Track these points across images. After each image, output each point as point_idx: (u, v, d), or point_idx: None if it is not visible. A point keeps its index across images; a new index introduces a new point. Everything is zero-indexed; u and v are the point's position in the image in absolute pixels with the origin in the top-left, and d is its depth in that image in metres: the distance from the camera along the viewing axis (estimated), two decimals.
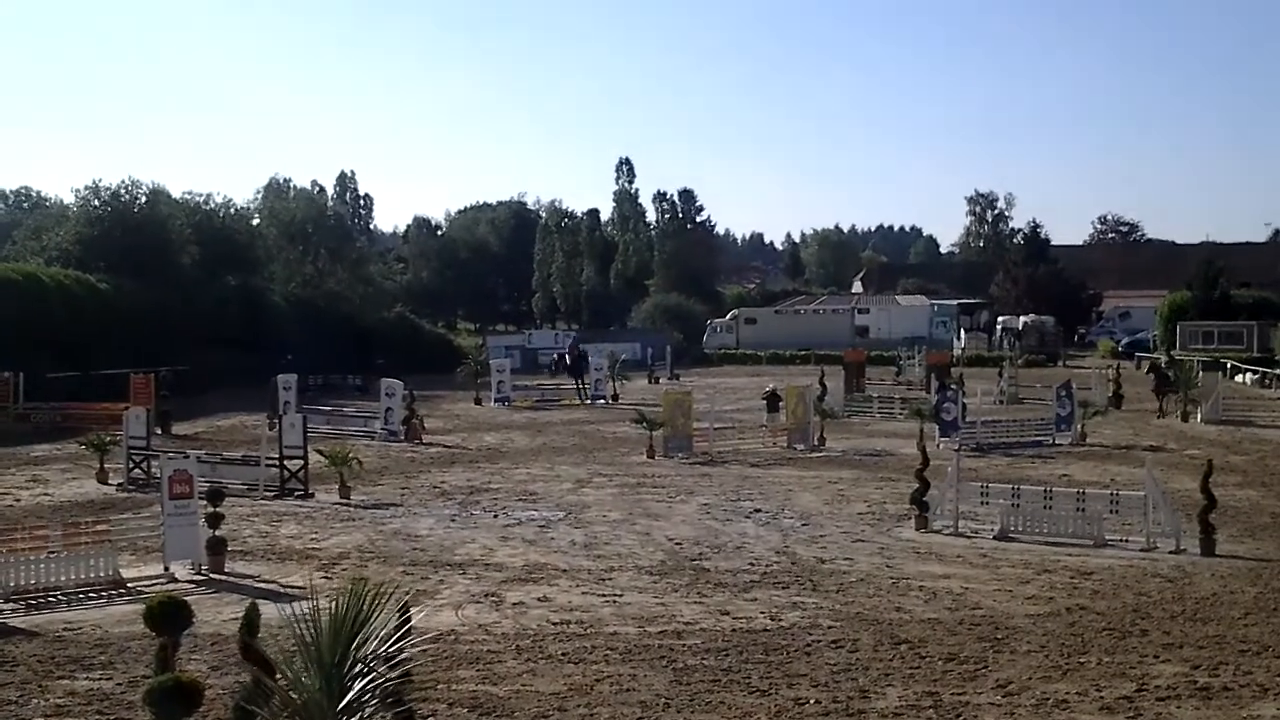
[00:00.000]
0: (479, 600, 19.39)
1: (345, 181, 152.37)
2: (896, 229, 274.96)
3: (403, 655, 9.77)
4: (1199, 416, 46.72)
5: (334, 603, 9.54)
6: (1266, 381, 64.56)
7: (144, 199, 69.62)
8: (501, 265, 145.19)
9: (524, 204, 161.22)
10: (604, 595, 19.68)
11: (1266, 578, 20.92)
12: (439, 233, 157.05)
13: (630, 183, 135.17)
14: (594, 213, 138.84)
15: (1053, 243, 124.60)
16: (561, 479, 32.95)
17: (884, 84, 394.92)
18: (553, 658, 16.06)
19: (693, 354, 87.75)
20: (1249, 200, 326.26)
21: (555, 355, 65.22)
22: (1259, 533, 25.07)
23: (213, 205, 74.34)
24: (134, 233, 65.53)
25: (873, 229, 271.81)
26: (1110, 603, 19.21)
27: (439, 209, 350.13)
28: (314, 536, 24.99)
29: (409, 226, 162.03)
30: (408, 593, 17.86)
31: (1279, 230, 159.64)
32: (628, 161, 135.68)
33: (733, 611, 18.58)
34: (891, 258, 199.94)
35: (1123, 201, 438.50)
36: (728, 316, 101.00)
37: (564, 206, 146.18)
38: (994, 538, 24.19)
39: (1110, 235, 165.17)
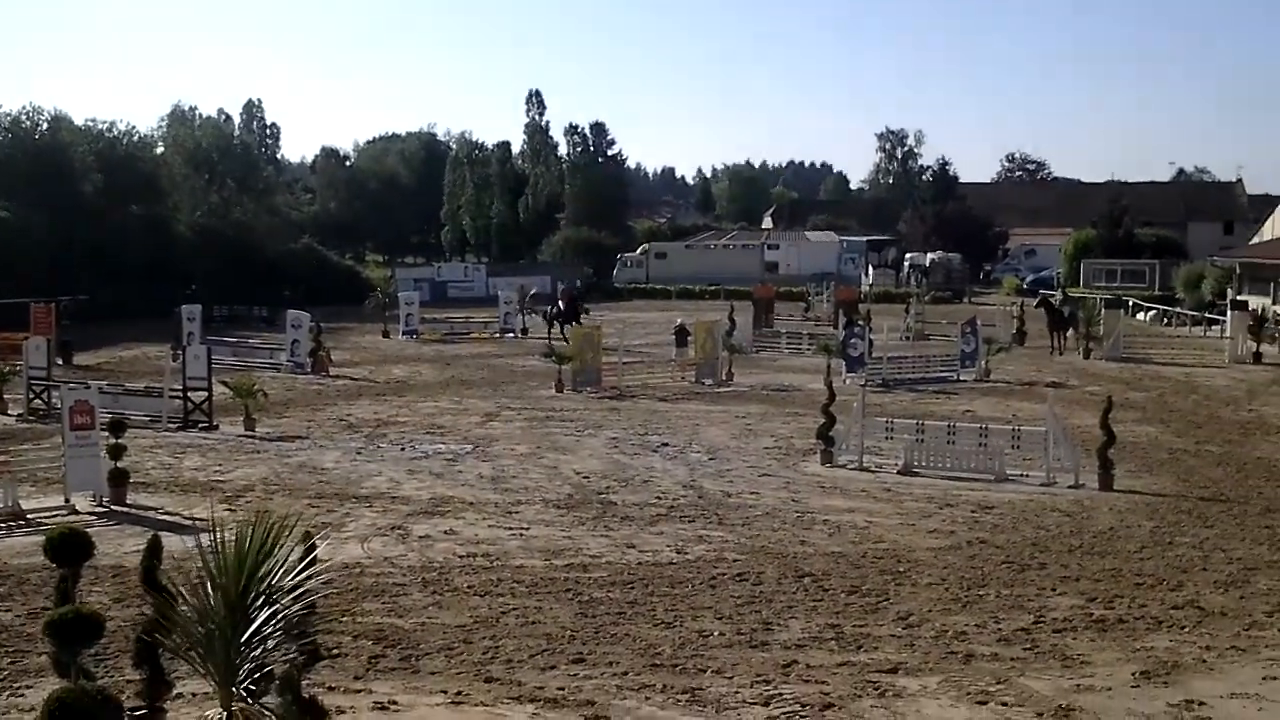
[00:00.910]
0: (385, 533, 19.38)
1: (252, 110, 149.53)
2: (807, 165, 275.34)
3: (307, 587, 9.73)
4: (1100, 353, 47.41)
5: (238, 534, 9.50)
6: (1167, 319, 65.63)
7: (45, 126, 68.16)
8: (411, 197, 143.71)
9: (434, 135, 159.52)
10: (511, 529, 19.74)
11: (1162, 512, 21.36)
12: (347, 163, 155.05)
13: (541, 115, 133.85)
14: (504, 145, 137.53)
15: (961, 180, 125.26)
16: (469, 413, 32.90)
17: (796, 21, 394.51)
18: (458, 590, 16.10)
19: (603, 288, 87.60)
20: (1154, 140, 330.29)
21: (551, 306, 56.42)
22: (1156, 468, 25.56)
23: (116, 133, 72.81)
24: (34, 160, 64.11)
25: (783, 165, 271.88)
26: (1010, 536, 19.54)
27: (347, 139, 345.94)
28: (218, 469, 24.81)
29: (317, 156, 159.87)
30: (312, 525, 17.82)
31: (1183, 170, 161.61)
32: (538, 94, 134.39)
33: (639, 545, 18.71)
34: (802, 194, 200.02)
35: (1030, 140, 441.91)
36: (638, 251, 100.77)
37: (474, 139, 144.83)
38: (898, 472, 24.49)
39: (1017, 173, 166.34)
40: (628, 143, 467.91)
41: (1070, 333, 49.80)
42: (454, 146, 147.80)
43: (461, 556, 17.90)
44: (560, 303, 54.94)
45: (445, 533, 19.41)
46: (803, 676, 12.93)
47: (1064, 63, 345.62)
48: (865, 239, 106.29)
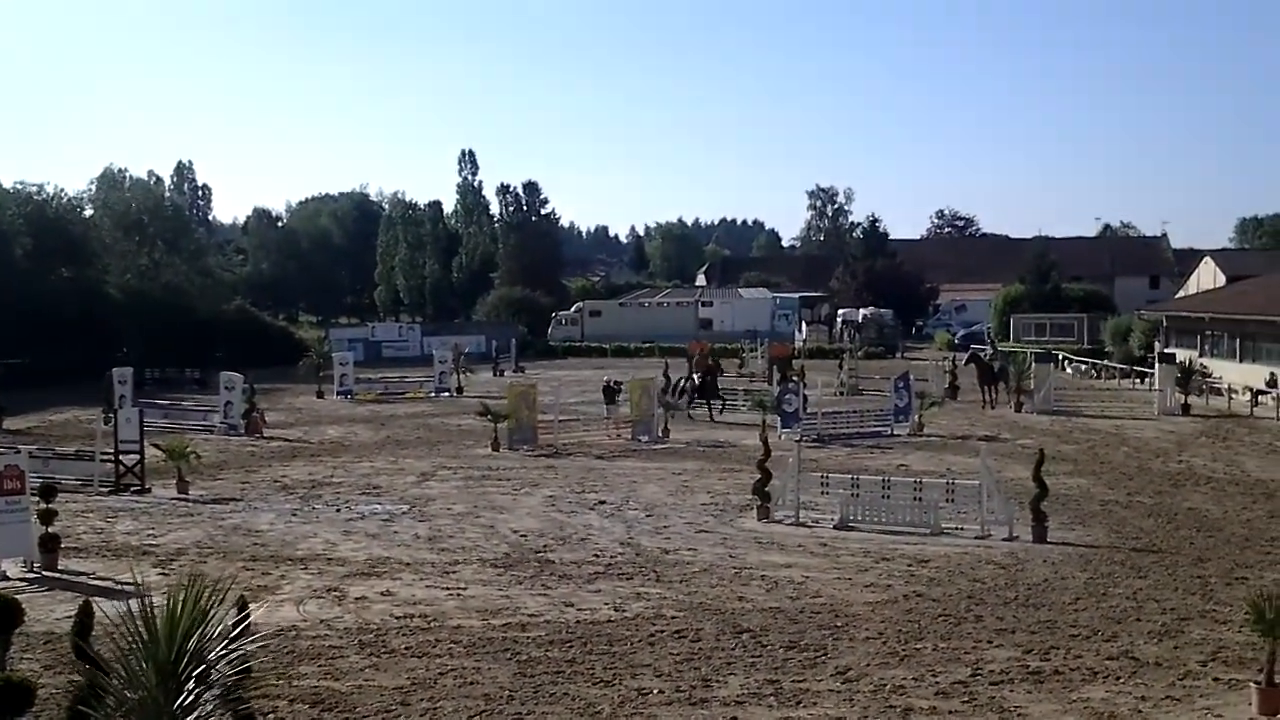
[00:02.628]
0: (321, 595, 19.22)
1: (183, 172, 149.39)
2: (739, 223, 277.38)
3: (241, 652, 9.65)
4: (1031, 406, 47.84)
5: (170, 599, 9.40)
6: (1097, 372, 66.37)
7: None
8: (344, 257, 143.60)
9: (366, 195, 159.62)
10: (448, 588, 19.64)
11: (1096, 564, 21.53)
12: (279, 224, 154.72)
13: (474, 175, 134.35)
14: (437, 205, 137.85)
15: (891, 237, 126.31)
16: (405, 472, 32.74)
17: (726, 80, 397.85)
18: (395, 652, 15.99)
19: (538, 346, 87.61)
20: (1080, 196, 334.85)
21: (682, 379, 48.68)
22: (1089, 520, 25.79)
23: (45, 195, 72.25)
24: None
25: (716, 222, 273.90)
26: (946, 589, 19.64)
27: (279, 200, 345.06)
28: (151, 532, 24.55)
29: (249, 218, 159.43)
30: (247, 589, 17.67)
31: (1109, 225, 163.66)
32: (471, 154, 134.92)
33: (577, 603, 18.65)
34: (734, 251, 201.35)
35: (959, 197, 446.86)
36: (572, 309, 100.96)
37: (407, 198, 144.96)
38: (834, 527, 24.57)
39: (947, 230, 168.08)
40: (561, 202, 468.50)
41: (1001, 386, 50.26)
42: (387, 206, 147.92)
43: (398, 617, 17.78)
44: (695, 375, 48.44)
45: (382, 594, 19.27)
46: None
47: (990, 120, 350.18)
48: (798, 295, 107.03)
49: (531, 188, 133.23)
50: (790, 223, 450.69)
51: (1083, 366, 68.63)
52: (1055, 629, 17.18)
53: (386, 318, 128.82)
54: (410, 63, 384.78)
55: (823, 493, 25.87)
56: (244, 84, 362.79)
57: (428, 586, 19.82)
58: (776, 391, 42.59)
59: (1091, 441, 38.87)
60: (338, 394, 54.72)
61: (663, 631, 16.98)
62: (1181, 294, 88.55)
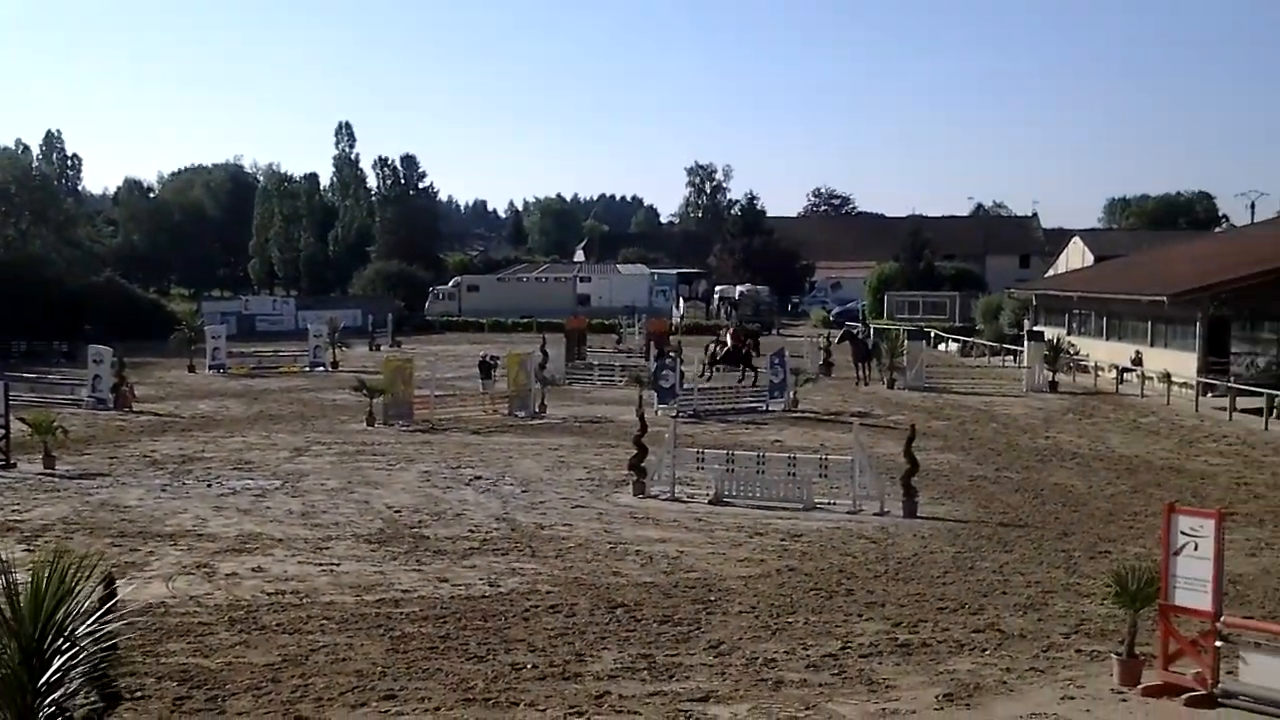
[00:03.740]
0: (190, 572, 18.97)
1: (52, 141, 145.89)
2: (618, 199, 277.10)
3: (108, 629, 9.51)
4: (904, 383, 48.50)
5: (34, 576, 9.24)
6: (968, 349, 67.42)
7: None
8: (218, 230, 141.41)
9: (241, 167, 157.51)
10: (320, 564, 19.49)
11: (964, 538, 21.92)
12: (151, 195, 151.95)
13: (351, 148, 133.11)
14: (313, 177, 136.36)
15: (768, 214, 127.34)
16: (278, 447, 32.40)
17: (606, 53, 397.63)
18: (266, 628, 15.83)
19: (414, 321, 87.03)
20: (953, 176, 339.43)
21: (713, 344, 48.00)
22: (958, 495, 26.23)
23: None
24: None
25: (595, 198, 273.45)
26: (818, 564, 19.87)
27: (151, 171, 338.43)
28: (15, 508, 24.03)
29: (119, 188, 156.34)
30: (114, 565, 17.42)
31: (981, 205, 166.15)
32: (348, 126, 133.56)
33: (451, 579, 18.61)
34: (613, 227, 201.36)
35: (835, 176, 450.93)
36: (450, 284, 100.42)
37: (282, 171, 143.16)
38: (709, 502, 24.74)
39: (823, 208, 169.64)
40: (439, 175, 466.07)
41: (874, 363, 50.90)
42: (262, 178, 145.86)
43: (270, 594, 17.61)
44: (728, 340, 48.35)
45: (253, 570, 19.07)
46: (615, 707, 12.98)
47: (866, 100, 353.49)
48: (676, 272, 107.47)
49: (409, 161, 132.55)
50: (669, 199, 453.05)
51: (953, 346, 69.65)
52: (924, 602, 17.46)
53: (261, 291, 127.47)
54: (285, 33, 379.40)
55: (698, 468, 26.03)
56: (115, 51, 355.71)
57: (300, 562, 19.65)
58: (654, 367, 42.72)
59: (961, 418, 39.52)
60: (210, 368, 53.91)
61: (537, 607, 17.00)
62: (1051, 273, 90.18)
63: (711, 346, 47.99)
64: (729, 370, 46.80)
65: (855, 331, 57.30)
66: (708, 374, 44.84)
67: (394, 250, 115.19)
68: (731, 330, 50.72)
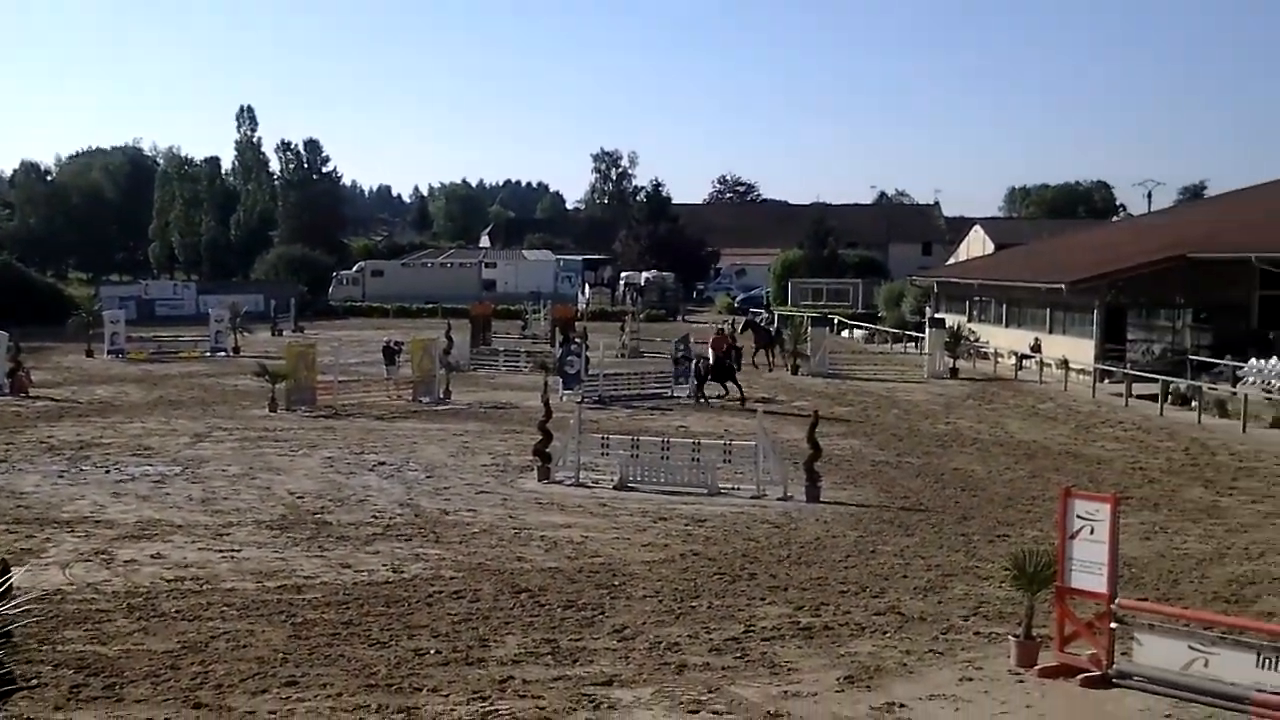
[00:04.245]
0: (88, 558, 18.70)
1: None
2: (524, 184, 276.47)
3: (3, 616, 9.37)
4: (807, 369, 48.83)
5: None
6: (872, 337, 68.05)
7: None
8: (117, 213, 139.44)
9: (140, 150, 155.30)
10: (221, 551, 19.29)
11: (866, 522, 22.12)
12: (49, 178, 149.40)
13: (253, 131, 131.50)
14: (214, 161, 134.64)
15: (674, 201, 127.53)
16: (178, 433, 32.01)
17: (512, 40, 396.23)
18: (166, 616, 15.65)
19: (318, 306, 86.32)
20: (857, 165, 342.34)
21: (697, 360, 41.18)
22: (860, 480, 26.48)
23: None
24: None
25: (500, 184, 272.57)
26: (721, 548, 19.97)
27: (48, 154, 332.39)
28: None
29: (15, 171, 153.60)
30: (9, 552, 17.15)
31: (884, 193, 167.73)
32: (249, 109, 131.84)
33: (354, 565, 18.50)
34: (518, 213, 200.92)
35: (740, 163, 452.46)
36: (354, 269, 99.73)
37: (183, 154, 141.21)
38: (614, 487, 24.77)
39: (728, 195, 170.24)
40: (343, 160, 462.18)
41: (778, 350, 51.21)
42: (161, 162, 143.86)
43: (169, 581, 17.40)
44: (710, 352, 41.80)
45: (152, 557, 18.83)
46: (519, 692, 12.97)
47: (772, 88, 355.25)
48: (581, 258, 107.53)
49: (313, 145, 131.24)
50: (575, 186, 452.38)
51: (859, 333, 70.24)
52: (826, 586, 17.60)
53: (161, 275, 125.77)
54: (186, 16, 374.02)
55: (603, 454, 26.04)
56: (8, 31, 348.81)
57: (200, 549, 19.43)
58: (559, 353, 42.68)
59: (864, 404, 39.87)
60: (108, 353, 53.15)
61: (441, 592, 16.94)
62: (952, 261, 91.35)
63: (696, 363, 41.05)
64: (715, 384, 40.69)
65: (758, 319, 57.63)
66: (702, 398, 39.90)
67: (297, 235, 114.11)
68: (713, 339, 43.12)
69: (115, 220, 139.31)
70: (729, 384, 40.25)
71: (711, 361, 40.89)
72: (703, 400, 39.55)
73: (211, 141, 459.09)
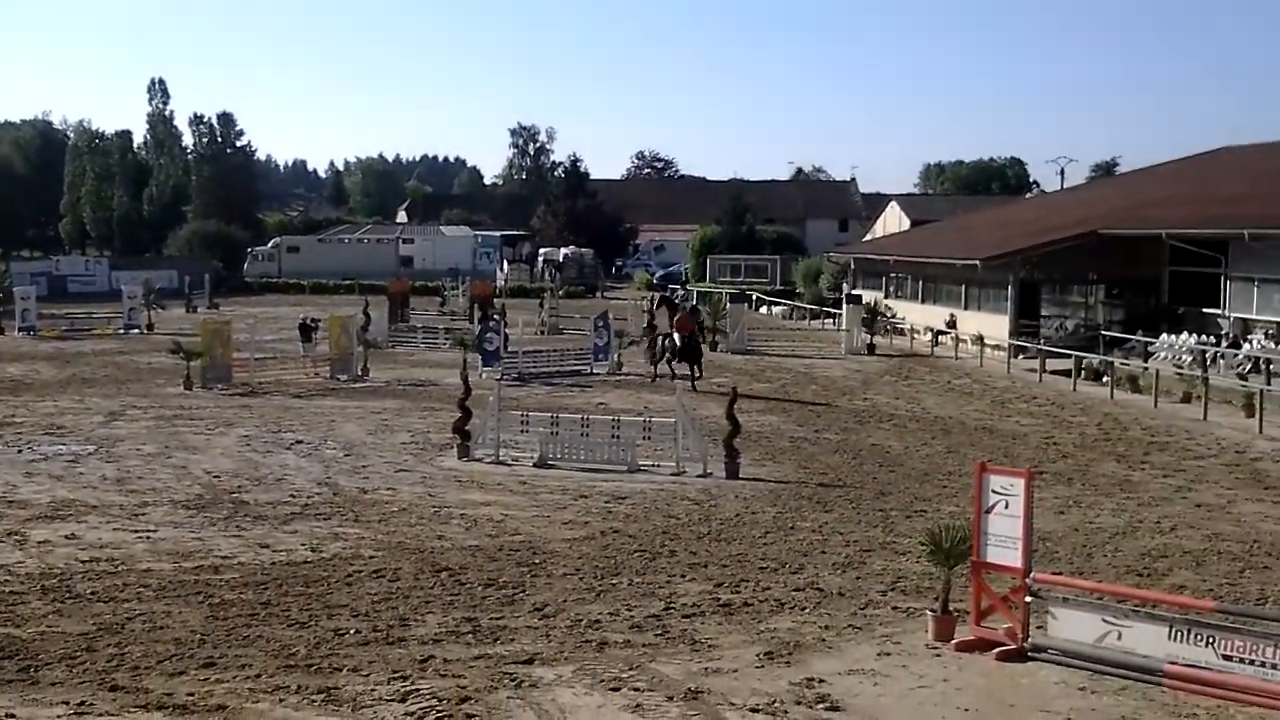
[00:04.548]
0: (0, 540, 18.45)
1: None
2: (441, 159, 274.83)
3: None
4: (726, 346, 49.01)
5: None
6: (790, 313, 68.38)
7: None
8: (26, 188, 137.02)
9: (50, 124, 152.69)
10: (137, 531, 19.10)
11: (785, 499, 22.26)
12: None
13: (165, 104, 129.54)
14: (126, 134, 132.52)
15: (592, 177, 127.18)
16: (92, 412, 31.63)
17: (428, 10, 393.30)
18: (81, 597, 15.48)
19: (233, 282, 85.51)
20: (774, 140, 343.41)
21: (661, 337, 40.12)
22: (779, 456, 26.63)
23: None
24: None
25: (417, 159, 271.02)
26: (642, 525, 20.03)
27: None
28: None
29: None
30: None
31: (801, 169, 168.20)
32: (161, 82, 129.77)
33: (272, 544, 18.38)
34: (436, 188, 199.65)
35: (658, 139, 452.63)
36: (269, 244, 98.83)
37: (94, 128, 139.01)
38: (534, 465, 24.76)
39: (646, 171, 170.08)
40: (257, 134, 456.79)
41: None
42: (72, 136, 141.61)
43: (84, 562, 17.20)
44: (675, 333, 39.41)
45: (66, 537, 18.61)
46: (439, 671, 12.95)
47: (689, 62, 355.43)
48: (500, 234, 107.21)
49: (226, 119, 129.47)
50: (492, 161, 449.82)
51: (778, 309, 70.53)
52: (745, 562, 17.70)
53: (72, 251, 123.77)
54: None
55: (523, 431, 26.00)
56: None
57: (115, 529, 19.23)
58: (478, 330, 42.57)
59: (783, 380, 40.09)
60: (19, 330, 52.50)
61: (360, 571, 16.87)
62: (869, 237, 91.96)
63: (660, 341, 39.91)
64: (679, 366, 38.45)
65: (672, 295, 57.74)
66: (655, 376, 39.04)
67: (211, 210, 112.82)
68: (679, 318, 40.48)
69: (25, 195, 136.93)
70: (695, 366, 38.25)
71: (680, 343, 38.68)
72: (663, 379, 37.73)
73: (123, 115, 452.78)
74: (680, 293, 63.32)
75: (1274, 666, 11.95)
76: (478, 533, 19.43)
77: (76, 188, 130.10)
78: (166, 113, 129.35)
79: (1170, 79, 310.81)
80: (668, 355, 38.91)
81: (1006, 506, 13.77)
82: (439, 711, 11.88)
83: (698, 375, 37.82)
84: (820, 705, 12.17)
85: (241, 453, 26.23)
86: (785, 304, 70.52)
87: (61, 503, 21.06)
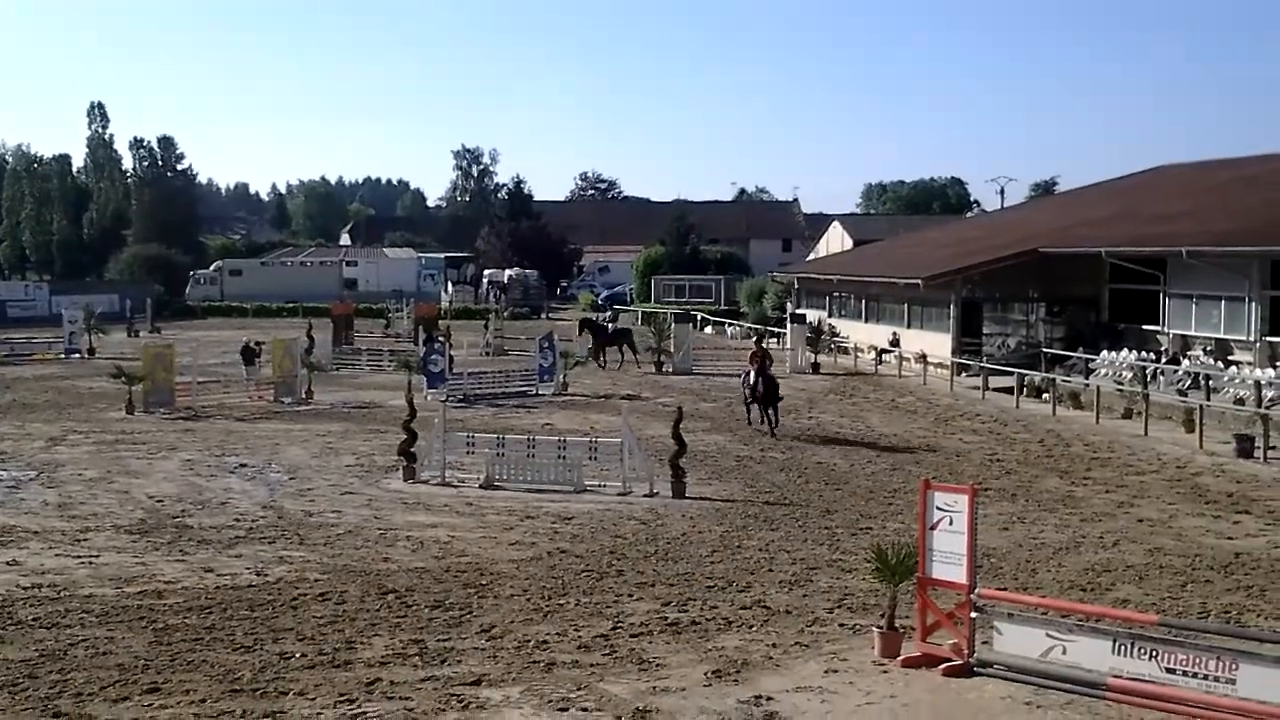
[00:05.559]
0: None
1: None
2: (384, 182, 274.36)
3: None
4: (671, 366, 49.06)
5: None
6: (735, 333, 68.56)
7: None
8: None
9: None
10: (79, 556, 18.91)
11: (731, 517, 22.30)
12: None
13: (104, 128, 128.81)
14: (65, 158, 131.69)
15: (536, 198, 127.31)
16: (33, 437, 31.32)
17: (370, 35, 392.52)
18: (22, 623, 15.32)
19: (175, 306, 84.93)
20: (717, 161, 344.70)
21: (757, 380, 32.95)
22: (725, 475, 26.68)
23: None
24: None
25: (360, 181, 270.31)
26: (589, 545, 20.02)
27: None
28: None
29: None
30: None
31: (744, 190, 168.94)
32: (100, 106, 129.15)
33: (216, 569, 18.25)
34: (379, 210, 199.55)
35: (602, 160, 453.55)
36: (211, 268, 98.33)
37: (33, 151, 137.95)
38: (480, 487, 24.72)
39: (590, 192, 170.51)
40: (198, 158, 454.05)
41: (624, 347, 50.91)
42: (10, 159, 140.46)
43: (25, 588, 17.02)
44: (751, 370, 33.63)
45: (7, 564, 18.41)
46: (386, 694, 12.89)
47: (631, 86, 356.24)
48: (444, 256, 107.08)
49: (167, 142, 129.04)
50: (436, 183, 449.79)
51: (730, 329, 70.66)
52: (693, 581, 17.72)
53: (11, 276, 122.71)
54: (36, 13, 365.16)
55: (468, 452, 25.96)
56: None
57: (57, 555, 19.04)
58: (422, 352, 42.47)
59: (728, 399, 40.10)
60: None
61: (306, 595, 16.77)
62: (812, 257, 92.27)
63: (754, 387, 33.39)
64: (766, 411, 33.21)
65: (596, 319, 57.84)
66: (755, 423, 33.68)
67: (152, 234, 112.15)
68: (751, 353, 35.01)
69: None
70: (773, 409, 33.07)
71: (764, 381, 33.05)
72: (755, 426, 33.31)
73: (62, 139, 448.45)
74: (605, 316, 63.33)
75: (1216, 679, 12.05)
76: (424, 554, 19.36)
77: (15, 212, 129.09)
78: (106, 136, 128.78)
79: (1107, 98, 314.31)
80: (745, 397, 34.19)
81: (951, 523, 13.85)
82: None
83: (775, 421, 32.98)
84: None
85: (185, 477, 26.04)
86: (730, 324, 70.67)
87: (2, 529, 20.83)
